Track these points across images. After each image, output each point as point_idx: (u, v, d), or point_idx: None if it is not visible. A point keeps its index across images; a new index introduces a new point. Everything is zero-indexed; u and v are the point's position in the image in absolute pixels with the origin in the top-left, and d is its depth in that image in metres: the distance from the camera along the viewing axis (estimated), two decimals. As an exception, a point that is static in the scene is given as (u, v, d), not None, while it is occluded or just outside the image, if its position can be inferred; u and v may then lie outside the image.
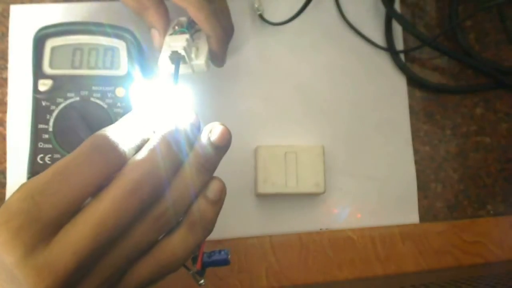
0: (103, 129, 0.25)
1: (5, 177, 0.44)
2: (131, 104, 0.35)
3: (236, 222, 0.44)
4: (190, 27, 0.39)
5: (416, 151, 0.47)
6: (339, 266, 0.44)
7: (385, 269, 0.44)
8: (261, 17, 0.47)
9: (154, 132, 0.27)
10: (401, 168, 0.47)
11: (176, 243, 0.27)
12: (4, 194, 0.43)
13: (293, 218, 0.45)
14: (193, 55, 0.38)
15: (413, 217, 0.46)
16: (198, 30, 0.39)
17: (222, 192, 0.29)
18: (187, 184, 0.27)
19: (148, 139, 0.26)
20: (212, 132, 0.28)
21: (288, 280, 0.43)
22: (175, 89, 0.31)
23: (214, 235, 0.44)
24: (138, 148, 0.26)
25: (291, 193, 0.43)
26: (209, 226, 0.28)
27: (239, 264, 0.43)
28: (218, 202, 0.28)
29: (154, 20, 0.38)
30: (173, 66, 0.37)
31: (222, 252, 0.30)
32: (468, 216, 0.47)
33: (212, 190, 0.28)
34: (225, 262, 0.30)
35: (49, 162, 0.40)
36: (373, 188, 0.46)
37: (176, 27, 0.38)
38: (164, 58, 0.37)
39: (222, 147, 0.28)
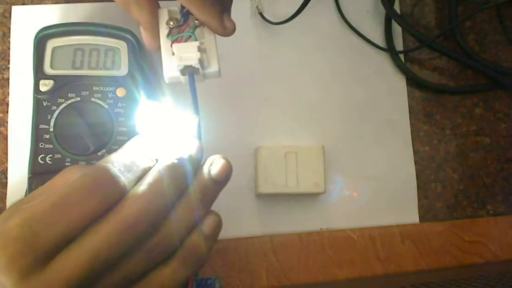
0: (106, 159, 0.25)
1: (6, 177, 0.44)
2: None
3: (236, 222, 0.44)
4: (186, 18, 0.34)
5: (415, 151, 0.47)
6: (339, 265, 0.44)
7: (385, 268, 0.44)
8: (261, 16, 0.47)
9: (156, 160, 0.27)
10: (401, 168, 0.47)
11: (167, 275, 0.26)
12: (5, 194, 0.44)
13: (293, 218, 0.45)
14: (205, 63, 0.33)
15: (413, 217, 0.46)
16: (199, 26, 0.34)
17: (218, 227, 0.29)
18: (184, 218, 0.27)
19: (149, 168, 0.26)
20: (212, 165, 0.28)
21: (288, 279, 0.43)
22: (182, 115, 0.29)
23: (214, 235, 0.44)
24: (139, 179, 0.26)
25: (291, 193, 0.43)
26: (202, 261, 0.28)
27: (239, 264, 0.43)
28: (213, 237, 0.28)
29: (136, 15, 0.34)
30: (182, 77, 0.33)
31: (210, 281, 0.29)
32: (467, 216, 0.47)
33: (208, 225, 0.28)
34: None
35: (49, 162, 0.40)
36: (373, 188, 0.46)
37: (171, 23, 0.33)
38: (171, 69, 0.33)
39: (222, 181, 0.28)
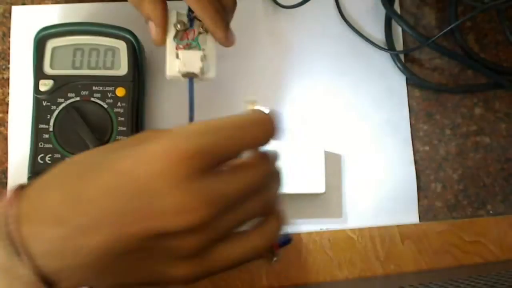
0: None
1: (6, 177, 0.44)
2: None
3: (236, 222, 0.44)
4: (192, 24, 0.38)
5: (415, 151, 0.47)
6: (339, 266, 0.44)
7: (385, 269, 0.44)
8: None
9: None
10: (401, 168, 0.47)
11: (267, 230, 0.28)
12: (5, 194, 0.43)
13: (293, 218, 0.45)
14: (205, 69, 0.37)
15: (413, 217, 0.46)
16: (203, 33, 0.38)
17: None
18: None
19: None
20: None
21: (288, 280, 0.43)
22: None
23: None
24: None
25: (291, 193, 0.43)
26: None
27: (239, 263, 0.43)
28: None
29: (150, 11, 0.36)
30: (183, 79, 0.37)
31: (286, 235, 0.35)
32: (467, 216, 0.47)
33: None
34: (290, 241, 0.36)
35: (49, 162, 0.40)
36: (373, 188, 0.46)
37: (179, 26, 0.37)
38: (174, 70, 0.37)
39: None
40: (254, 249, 0.28)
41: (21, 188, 0.25)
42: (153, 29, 0.37)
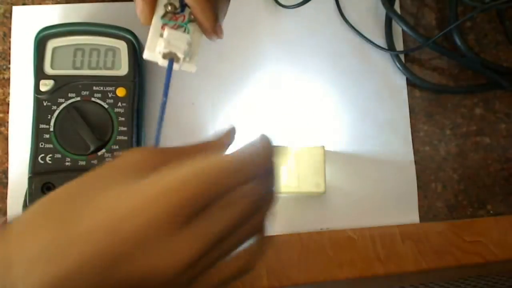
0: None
1: (7, 177, 0.44)
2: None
3: (237, 222, 0.44)
4: (183, 9, 0.35)
5: (416, 151, 0.47)
6: (339, 266, 0.44)
7: (385, 268, 0.44)
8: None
9: None
10: (401, 168, 0.47)
11: (254, 250, 0.29)
12: (5, 194, 0.44)
13: (293, 218, 0.45)
14: (187, 58, 0.35)
15: (413, 217, 0.46)
16: (193, 20, 0.35)
17: None
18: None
19: None
20: None
21: (288, 279, 0.43)
22: None
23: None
24: None
25: (291, 193, 0.43)
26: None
27: (240, 263, 0.43)
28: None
29: None
30: (160, 58, 0.34)
31: None
32: (468, 216, 0.47)
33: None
34: None
35: (49, 162, 0.40)
36: (373, 188, 0.46)
37: (169, 7, 0.34)
38: (153, 49, 0.34)
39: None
40: (242, 269, 0.28)
41: (4, 226, 0.25)
42: (139, 4, 0.34)
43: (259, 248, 0.29)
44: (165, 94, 0.33)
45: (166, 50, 0.34)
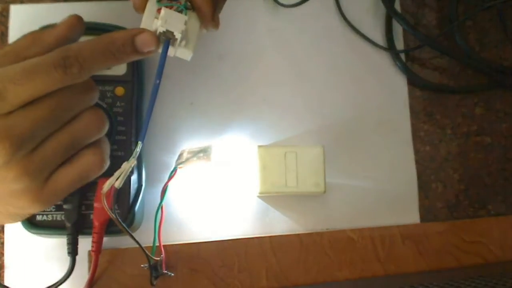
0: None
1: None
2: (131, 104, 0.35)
3: (236, 222, 0.44)
4: None
5: (416, 151, 0.47)
6: (339, 266, 0.44)
7: (385, 269, 0.44)
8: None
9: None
10: (402, 168, 0.47)
11: (83, 162, 0.32)
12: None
13: (293, 218, 0.45)
14: (183, 42, 0.34)
15: (414, 217, 0.46)
16: (189, 9, 0.34)
17: None
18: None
19: None
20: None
21: (288, 280, 0.43)
22: None
23: (214, 235, 0.43)
24: None
25: (291, 193, 0.43)
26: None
27: (239, 264, 0.43)
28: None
29: None
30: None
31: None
32: (468, 216, 0.47)
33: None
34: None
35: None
36: (373, 188, 0.46)
37: None
38: (148, 25, 0.33)
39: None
40: (87, 167, 0.32)
41: None
42: None
43: (99, 149, 0.33)
44: (159, 76, 0.33)
45: (163, 29, 0.32)
